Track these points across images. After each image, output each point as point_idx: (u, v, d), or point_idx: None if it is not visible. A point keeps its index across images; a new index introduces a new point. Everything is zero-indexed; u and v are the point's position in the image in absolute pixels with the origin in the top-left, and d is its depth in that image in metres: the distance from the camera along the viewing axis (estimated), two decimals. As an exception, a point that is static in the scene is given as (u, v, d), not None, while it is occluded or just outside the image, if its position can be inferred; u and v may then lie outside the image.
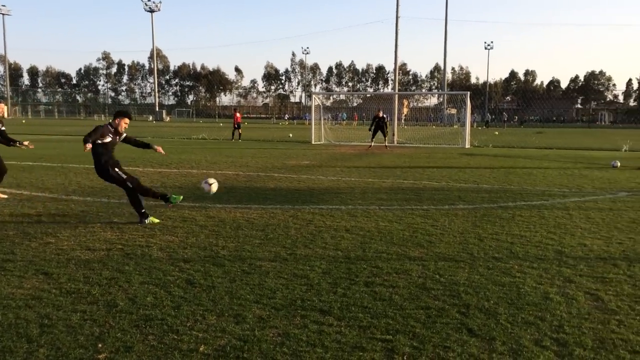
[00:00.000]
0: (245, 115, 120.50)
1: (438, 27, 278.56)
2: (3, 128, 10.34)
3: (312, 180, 13.21)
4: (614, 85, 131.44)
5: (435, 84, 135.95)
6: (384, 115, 25.55)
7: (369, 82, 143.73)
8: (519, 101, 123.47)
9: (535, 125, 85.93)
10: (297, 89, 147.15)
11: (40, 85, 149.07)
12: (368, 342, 3.92)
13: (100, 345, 3.81)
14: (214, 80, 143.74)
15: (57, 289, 4.95)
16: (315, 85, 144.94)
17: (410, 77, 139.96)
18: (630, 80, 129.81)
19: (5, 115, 11.20)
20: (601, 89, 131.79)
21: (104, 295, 4.82)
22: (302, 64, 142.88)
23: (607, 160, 19.56)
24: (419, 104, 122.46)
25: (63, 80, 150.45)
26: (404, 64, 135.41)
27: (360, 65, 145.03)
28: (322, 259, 6.04)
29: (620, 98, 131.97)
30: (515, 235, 7.31)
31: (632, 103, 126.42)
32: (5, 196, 9.84)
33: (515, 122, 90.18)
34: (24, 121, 73.91)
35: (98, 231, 7.28)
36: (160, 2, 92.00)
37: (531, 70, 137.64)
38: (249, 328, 4.13)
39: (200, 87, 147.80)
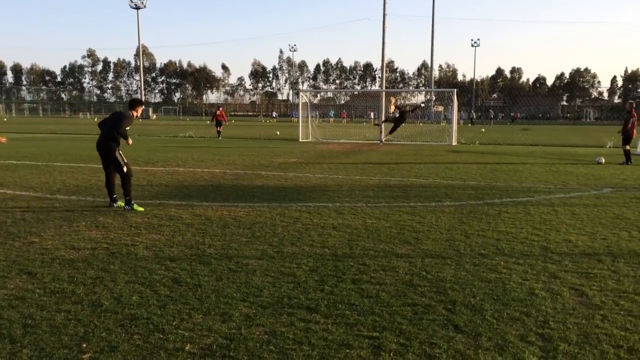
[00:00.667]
0: (233, 113, 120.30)
1: (425, 24, 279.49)
2: None
3: (300, 177, 13.20)
4: (599, 82, 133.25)
5: (423, 81, 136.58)
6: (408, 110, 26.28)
7: (356, 80, 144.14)
8: (506, 98, 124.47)
9: (522, 122, 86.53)
10: (285, 86, 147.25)
11: (25, 83, 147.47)
12: (355, 339, 3.92)
13: (84, 345, 3.77)
14: (201, 78, 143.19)
15: (41, 289, 4.89)
16: (303, 82, 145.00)
17: (398, 74, 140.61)
18: (614, 77, 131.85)
19: None
20: (586, 86, 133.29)
21: (89, 294, 4.77)
22: (289, 62, 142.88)
23: (592, 156, 19.77)
24: (406, 102, 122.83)
25: (48, 78, 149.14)
26: (392, 62, 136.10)
27: (347, 63, 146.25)
28: (309, 257, 6.03)
29: (605, 95, 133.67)
30: (501, 232, 7.36)
31: (616, 100, 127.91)
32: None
33: (506, 119, 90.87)
34: (5, 119, 73.06)
35: (83, 230, 7.21)
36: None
37: (517, 68, 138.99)
38: (235, 327, 4.11)
39: (187, 85, 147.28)
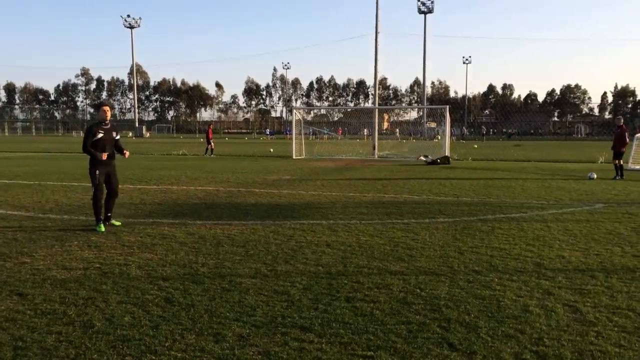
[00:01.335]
0: (226, 131, 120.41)
1: (417, 42, 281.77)
2: None
3: (293, 195, 13.19)
4: (589, 98, 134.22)
5: (415, 97, 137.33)
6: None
7: (349, 97, 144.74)
8: (497, 115, 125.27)
9: (517, 138, 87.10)
10: (278, 103, 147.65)
11: (18, 102, 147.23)
12: (349, 358, 3.90)
13: (75, 367, 3.72)
14: (195, 96, 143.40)
15: (32, 310, 4.84)
16: (296, 100, 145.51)
17: (391, 91, 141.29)
18: (605, 93, 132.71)
19: None
20: (577, 102, 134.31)
21: (80, 315, 4.72)
22: (283, 79, 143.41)
23: (583, 172, 19.89)
24: (399, 118, 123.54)
25: (41, 97, 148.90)
26: (384, 79, 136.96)
27: (340, 80, 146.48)
28: (302, 275, 6.01)
29: (596, 111, 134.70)
30: (494, 248, 7.37)
31: (607, 116, 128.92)
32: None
33: (499, 134, 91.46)
34: None
35: (75, 250, 7.16)
36: (140, 19, 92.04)
37: (509, 84, 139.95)
38: (228, 347, 4.07)
39: (181, 103, 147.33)
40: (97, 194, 8.55)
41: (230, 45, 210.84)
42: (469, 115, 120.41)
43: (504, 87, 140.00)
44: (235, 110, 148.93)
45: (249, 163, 25.40)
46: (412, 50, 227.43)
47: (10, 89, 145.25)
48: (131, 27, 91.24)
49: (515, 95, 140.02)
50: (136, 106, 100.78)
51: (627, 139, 18.25)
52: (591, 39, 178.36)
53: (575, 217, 10.03)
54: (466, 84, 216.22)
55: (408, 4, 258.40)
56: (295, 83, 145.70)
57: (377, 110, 36.38)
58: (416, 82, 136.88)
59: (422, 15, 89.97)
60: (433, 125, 78.43)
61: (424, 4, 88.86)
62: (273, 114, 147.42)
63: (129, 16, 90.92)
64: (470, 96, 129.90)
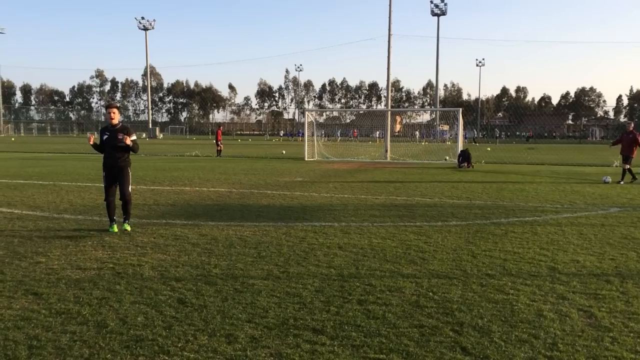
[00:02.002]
0: (239, 132, 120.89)
1: (430, 44, 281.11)
2: None
3: (305, 197, 13.20)
4: (604, 101, 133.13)
5: (428, 100, 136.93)
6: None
7: (362, 99, 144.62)
8: (511, 117, 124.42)
9: (533, 140, 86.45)
10: (291, 105, 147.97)
11: (34, 103, 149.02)
12: (361, 361, 3.89)
13: (89, 367, 3.75)
14: (207, 98, 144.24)
15: (47, 310, 4.89)
16: (309, 102, 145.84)
17: (403, 93, 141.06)
18: (620, 96, 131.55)
19: None
20: (592, 105, 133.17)
21: (94, 315, 4.76)
22: (295, 81, 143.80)
23: (598, 175, 19.68)
24: (412, 121, 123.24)
25: (56, 98, 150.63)
26: (397, 81, 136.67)
27: (353, 82, 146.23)
28: (315, 277, 6.01)
29: (611, 114, 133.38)
30: (508, 252, 7.31)
31: (622, 119, 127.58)
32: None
33: (512, 137, 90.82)
34: (13, 139, 73.65)
35: (89, 250, 7.22)
36: (154, 21, 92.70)
37: (522, 87, 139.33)
38: (240, 348, 4.08)
39: (194, 104, 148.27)
40: (105, 195, 8.62)
41: (243, 47, 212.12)
42: (482, 118, 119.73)
43: (518, 89, 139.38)
44: (247, 112, 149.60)
45: (261, 165, 25.46)
46: (425, 53, 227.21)
47: (26, 90, 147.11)
48: (145, 29, 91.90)
49: (529, 98, 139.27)
50: (150, 107, 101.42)
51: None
52: (607, 42, 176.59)
53: (590, 221, 9.93)
54: (479, 87, 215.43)
55: (421, 7, 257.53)
56: (308, 85, 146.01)
57: (389, 112, 36.30)
58: (429, 84, 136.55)
59: (435, 17, 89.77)
60: (446, 127, 78.16)
61: (437, 6, 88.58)
62: (285, 116, 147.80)
63: (143, 18, 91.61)
64: (484, 99, 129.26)
